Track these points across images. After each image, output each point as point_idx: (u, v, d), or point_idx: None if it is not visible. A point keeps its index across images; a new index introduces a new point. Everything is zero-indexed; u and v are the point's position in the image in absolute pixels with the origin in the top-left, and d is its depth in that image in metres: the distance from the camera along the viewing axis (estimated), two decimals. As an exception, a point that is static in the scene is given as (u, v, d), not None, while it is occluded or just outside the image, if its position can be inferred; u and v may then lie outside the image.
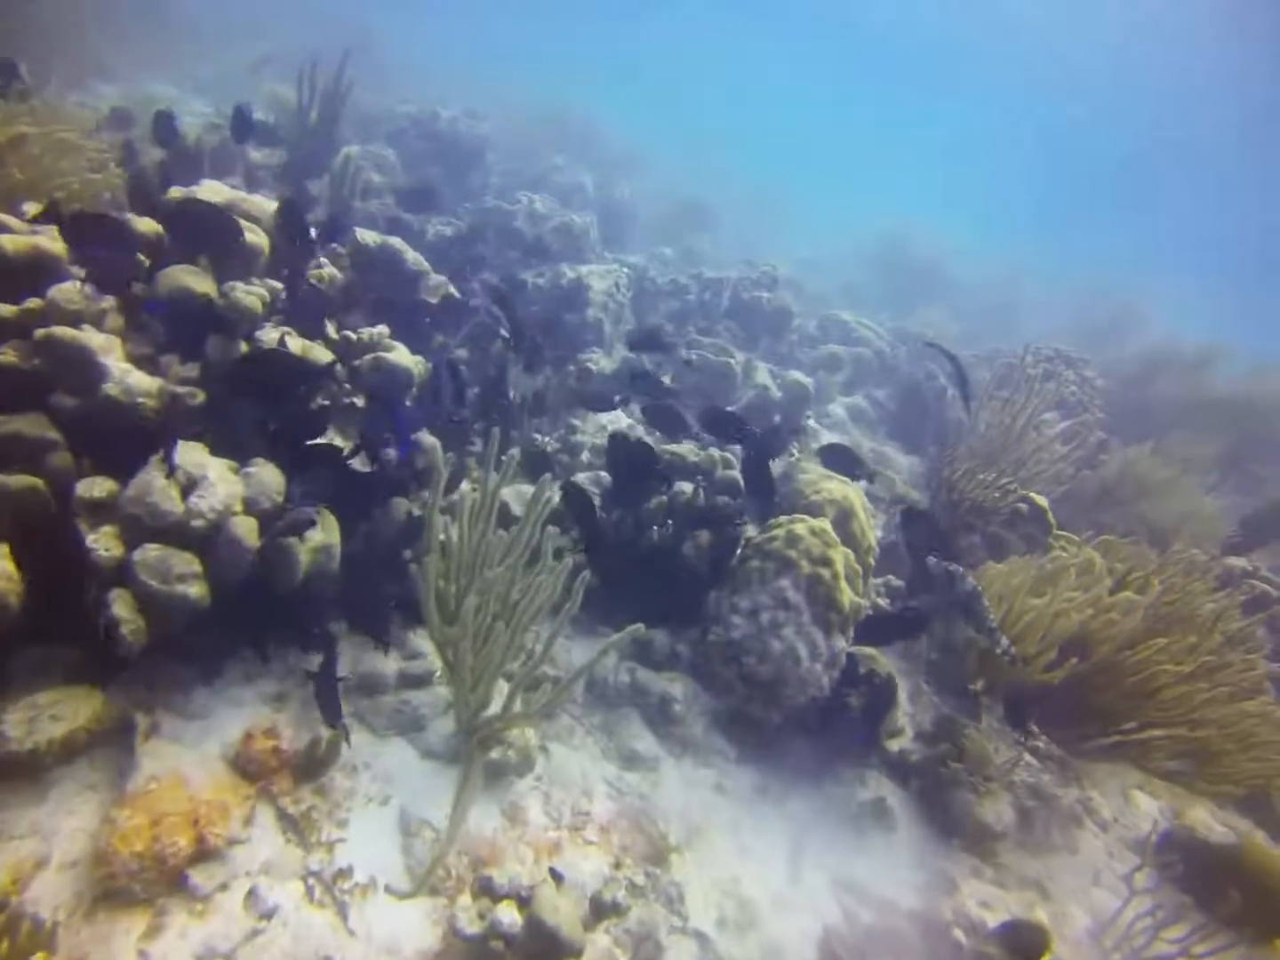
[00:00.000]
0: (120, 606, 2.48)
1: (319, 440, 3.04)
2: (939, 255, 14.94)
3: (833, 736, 3.40)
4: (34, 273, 2.78)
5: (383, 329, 3.49)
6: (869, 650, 3.56)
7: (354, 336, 3.37)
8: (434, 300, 4.49)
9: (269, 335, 3.00)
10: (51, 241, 2.81)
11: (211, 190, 3.40)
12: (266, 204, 3.48)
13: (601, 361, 5.38)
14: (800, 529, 3.43)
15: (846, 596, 3.39)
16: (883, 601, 4.14)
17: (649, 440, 4.12)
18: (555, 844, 2.97)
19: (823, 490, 3.79)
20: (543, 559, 2.94)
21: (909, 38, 34.83)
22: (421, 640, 3.39)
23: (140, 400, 2.60)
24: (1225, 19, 25.29)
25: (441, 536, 3.10)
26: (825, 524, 3.47)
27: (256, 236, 3.21)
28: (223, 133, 5.73)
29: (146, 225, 3.12)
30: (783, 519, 3.56)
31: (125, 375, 2.61)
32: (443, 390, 3.51)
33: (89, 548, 2.46)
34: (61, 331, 2.52)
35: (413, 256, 4.47)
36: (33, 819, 2.36)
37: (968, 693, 3.48)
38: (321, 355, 3.05)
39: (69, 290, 2.64)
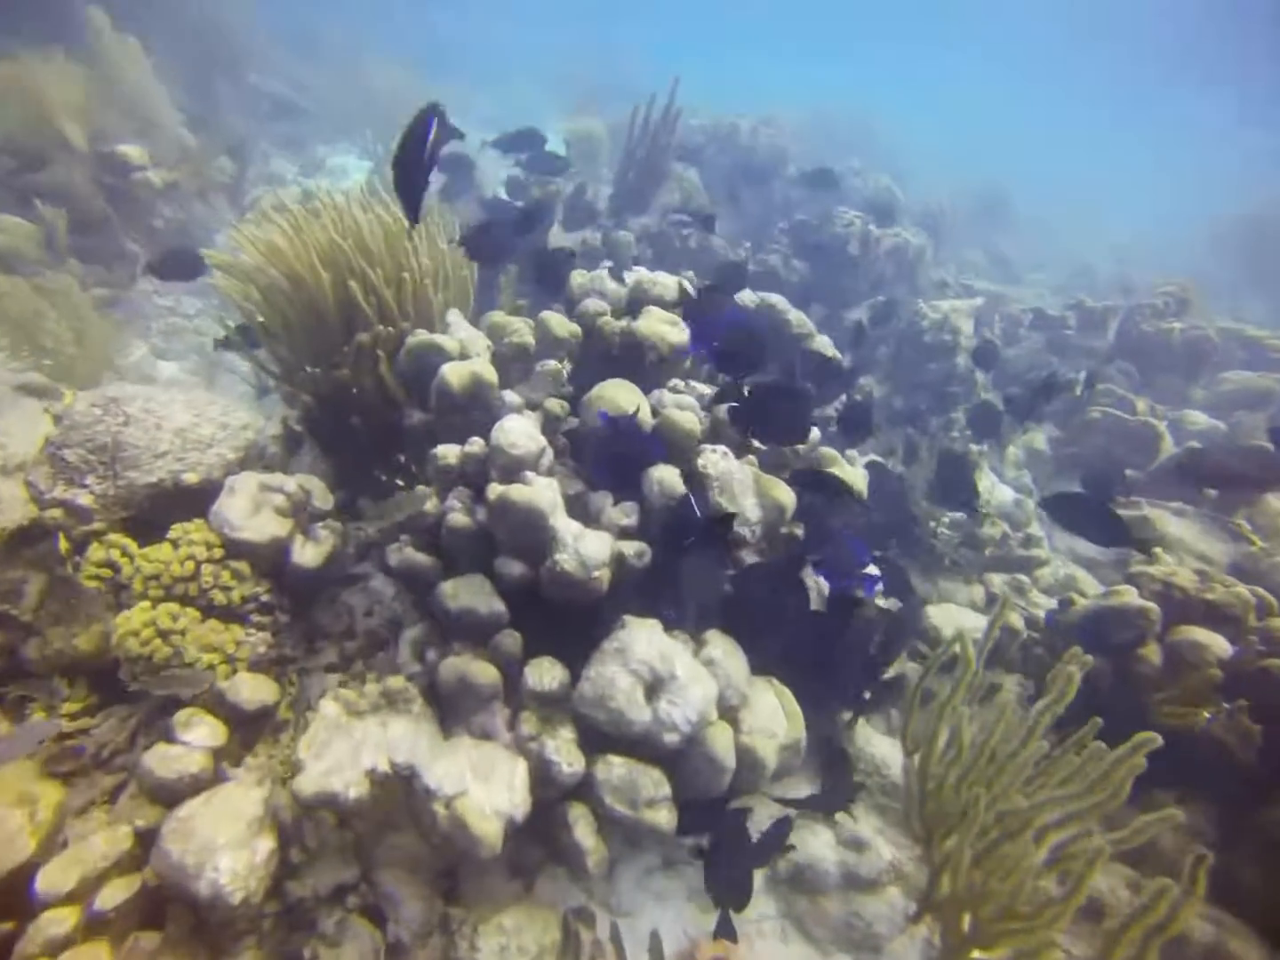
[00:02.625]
0: (583, 832, 1.93)
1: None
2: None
3: None
4: (473, 402, 2.33)
5: (815, 433, 2.71)
6: None
7: (787, 450, 2.62)
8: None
9: (711, 460, 2.31)
10: (486, 367, 2.33)
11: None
12: (671, 281, 2.81)
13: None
14: None
15: None
16: None
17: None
18: None
19: None
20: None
21: None
22: (865, 823, 2.60)
23: (595, 574, 2.01)
24: None
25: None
26: None
27: (677, 334, 2.55)
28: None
29: (563, 328, 2.58)
30: None
31: (577, 541, 2.03)
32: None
33: (550, 760, 1.92)
34: (516, 493, 1.99)
35: (795, 316, 3.67)
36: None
37: None
38: (783, 496, 2.31)
39: (514, 433, 2.12)
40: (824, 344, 3.68)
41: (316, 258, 2.60)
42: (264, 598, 2.29)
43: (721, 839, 2.00)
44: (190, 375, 4.41)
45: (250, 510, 2.31)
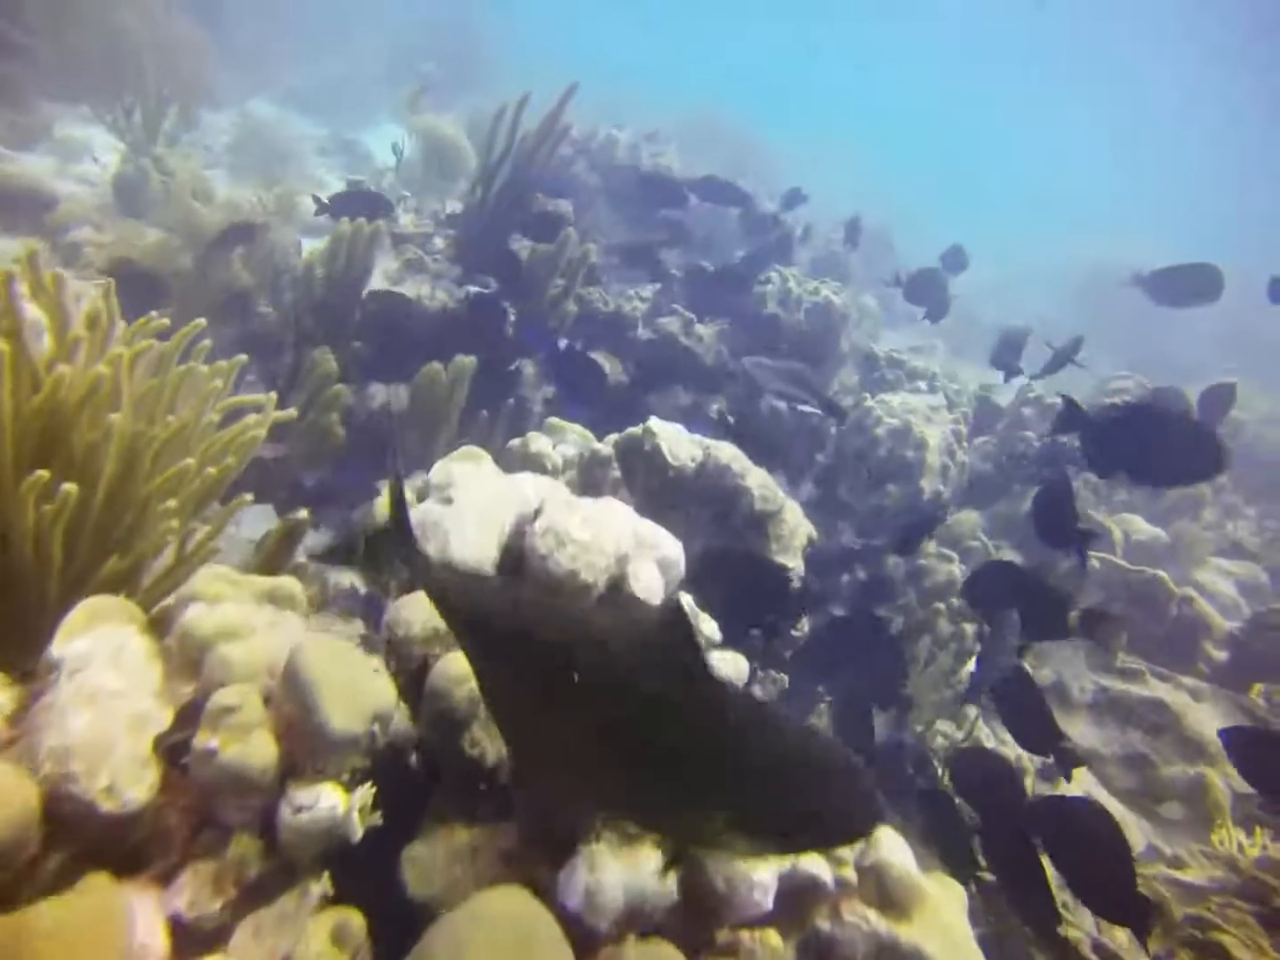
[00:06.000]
0: None
1: None
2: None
3: None
4: None
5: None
6: None
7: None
8: (792, 562, 2.36)
9: None
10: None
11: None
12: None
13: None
14: None
15: None
16: None
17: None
18: None
19: None
20: None
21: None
22: None
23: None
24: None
25: None
26: None
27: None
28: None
29: (346, 712, 1.07)
30: None
31: None
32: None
33: None
34: None
35: (757, 480, 2.34)
36: None
37: None
38: None
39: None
40: (798, 522, 2.38)
41: None
42: None
43: None
44: None
45: None
